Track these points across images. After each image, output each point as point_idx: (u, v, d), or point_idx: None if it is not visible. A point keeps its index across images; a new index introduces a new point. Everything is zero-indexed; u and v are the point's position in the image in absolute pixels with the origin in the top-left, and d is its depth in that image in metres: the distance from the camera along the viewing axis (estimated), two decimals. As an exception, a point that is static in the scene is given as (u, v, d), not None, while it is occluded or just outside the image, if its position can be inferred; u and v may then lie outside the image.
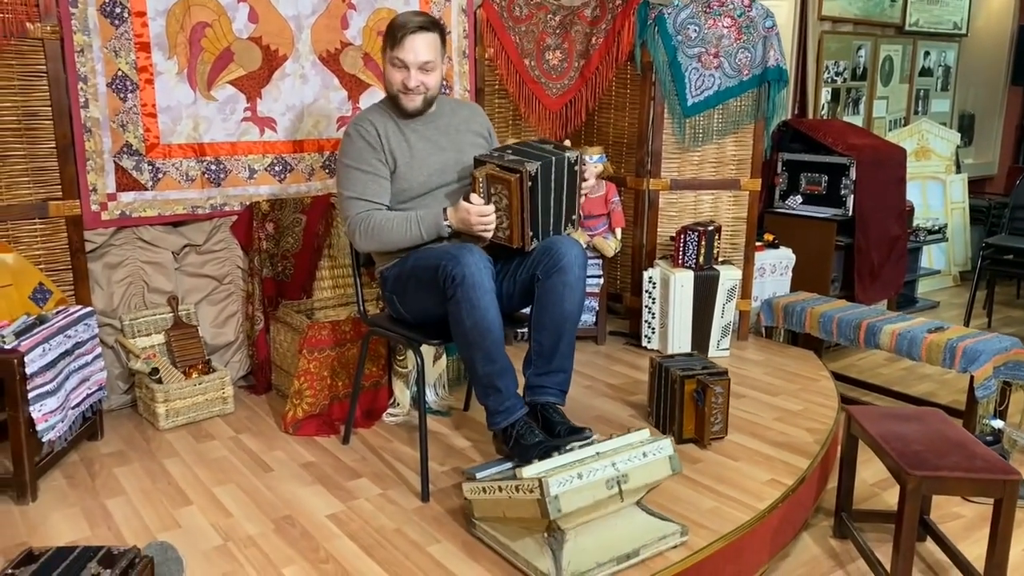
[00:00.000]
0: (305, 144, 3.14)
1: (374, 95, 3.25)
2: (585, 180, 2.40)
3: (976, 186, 6.07)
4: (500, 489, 1.85)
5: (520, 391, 2.25)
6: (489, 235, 2.24)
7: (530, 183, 2.17)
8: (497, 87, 3.66)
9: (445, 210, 2.27)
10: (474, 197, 2.22)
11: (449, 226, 2.25)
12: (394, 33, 2.29)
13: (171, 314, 2.90)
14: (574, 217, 2.40)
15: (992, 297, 4.82)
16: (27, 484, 2.20)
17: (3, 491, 2.23)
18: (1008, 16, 6.16)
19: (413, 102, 2.35)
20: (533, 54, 3.60)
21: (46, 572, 1.52)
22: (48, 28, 2.52)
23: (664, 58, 3.40)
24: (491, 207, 2.21)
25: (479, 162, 2.25)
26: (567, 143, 2.45)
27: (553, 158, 2.25)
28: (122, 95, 2.72)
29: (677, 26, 3.39)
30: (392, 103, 2.40)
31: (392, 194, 2.36)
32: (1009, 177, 6.33)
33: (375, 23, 3.22)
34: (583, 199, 2.43)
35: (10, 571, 1.53)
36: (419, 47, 2.28)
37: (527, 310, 2.39)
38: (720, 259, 3.39)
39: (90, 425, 2.58)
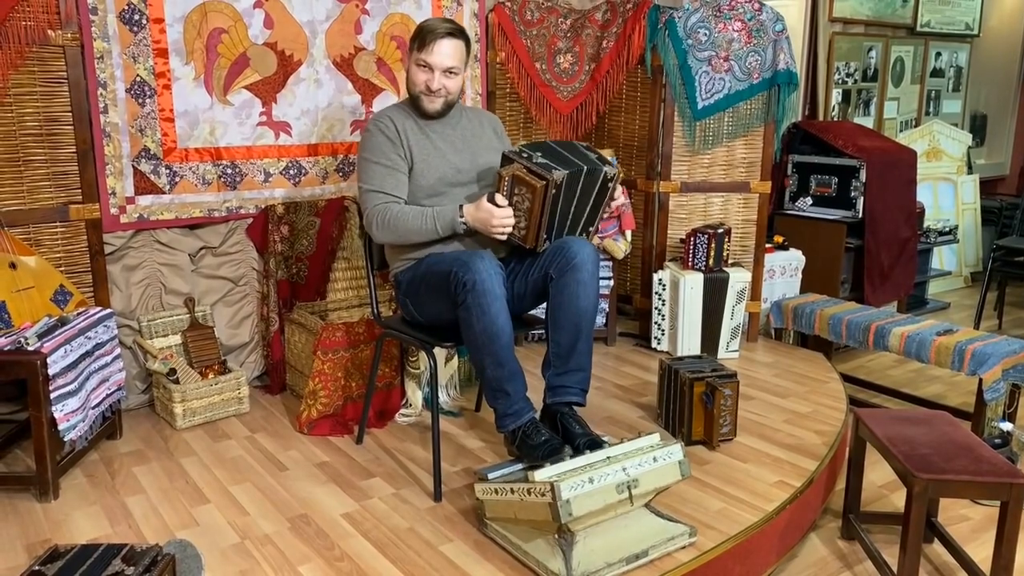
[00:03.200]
0: (319, 148, 3.18)
1: (387, 99, 3.29)
2: (614, 199, 2.43)
3: (988, 187, 6.06)
4: (512, 491, 1.88)
5: (531, 395, 2.27)
6: (504, 237, 2.27)
7: (554, 191, 2.19)
8: (508, 90, 3.69)
9: (461, 207, 2.30)
10: (499, 197, 2.24)
11: (464, 223, 2.28)
12: (423, 36, 2.35)
13: (188, 315, 2.95)
14: (591, 228, 2.42)
15: (1003, 298, 4.82)
16: (49, 482, 2.25)
17: (27, 489, 2.29)
18: (1021, 17, 6.13)
19: (433, 104, 2.39)
20: (544, 58, 3.63)
21: (72, 569, 1.57)
22: (69, 35, 2.58)
23: (674, 61, 3.43)
24: (511, 211, 2.24)
25: (507, 159, 2.25)
26: (608, 158, 2.46)
27: (585, 167, 2.26)
28: (140, 100, 2.77)
29: (687, 30, 3.42)
30: (412, 103, 2.44)
31: (409, 191, 2.40)
32: (1021, 178, 6.31)
33: (388, 28, 3.26)
34: (607, 215, 2.45)
35: (37, 568, 1.57)
36: (446, 52, 2.33)
37: (539, 312, 2.43)
38: (730, 261, 3.41)
39: (109, 424, 2.63)
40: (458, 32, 2.37)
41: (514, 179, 2.23)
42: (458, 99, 2.47)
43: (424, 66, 2.36)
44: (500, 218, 2.23)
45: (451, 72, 2.37)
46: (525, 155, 2.24)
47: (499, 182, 2.25)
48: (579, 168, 2.25)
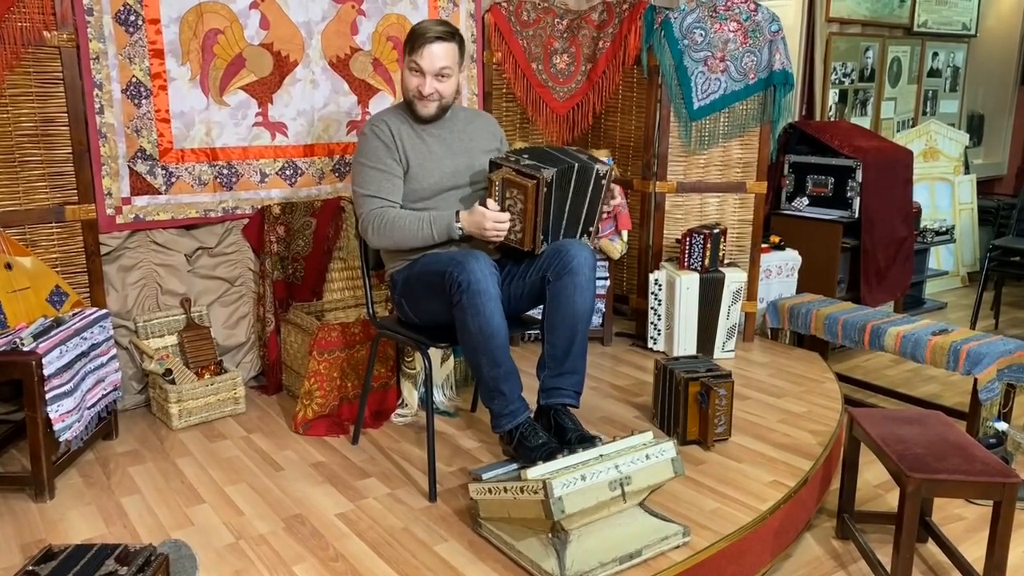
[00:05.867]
0: (315, 148, 3.18)
1: (383, 100, 3.29)
2: (614, 198, 2.44)
3: (985, 187, 6.06)
4: (505, 490, 1.89)
5: (526, 394, 2.28)
6: (499, 242, 2.28)
7: (545, 189, 2.21)
8: (505, 91, 3.69)
9: (458, 213, 2.31)
10: (490, 203, 2.26)
11: (461, 229, 2.29)
12: (414, 39, 2.34)
13: (184, 316, 2.96)
14: (591, 228, 2.42)
15: (999, 298, 4.82)
16: (45, 482, 2.25)
17: (22, 489, 2.29)
18: (1018, 17, 6.14)
19: (427, 108, 2.39)
20: (540, 58, 3.63)
21: (65, 569, 1.57)
22: (64, 36, 2.58)
23: (670, 62, 3.43)
24: (507, 215, 2.25)
25: (495, 165, 2.29)
26: (604, 158, 2.49)
27: (576, 164, 2.28)
28: (136, 101, 2.77)
29: (683, 30, 3.42)
30: (407, 107, 2.44)
31: (405, 195, 2.40)
32: (1018, 178, 6.32)
33: (384, 28, 3.26)
34: (606, 214, 2.46)
35: (31, 568, 1.58)
36: (436, 54, 2.31)
37: (536, 312, 2.43)
38: (726, 261, 3.41)
39: (105, 425, 2.63)
40: (449, 35, 2.34)
41: (504, 182, 2.25)
42: (453, 101, 2.46)
43: (416, 70, 2.34)
44: (494, 221, 2.24)
45: (443, 75, 2.34)
46: (513, 159, 2.28)
47: (490, 187, 2.28)
48: (569, 165, 2.27)
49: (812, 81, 4.77)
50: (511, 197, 2.24)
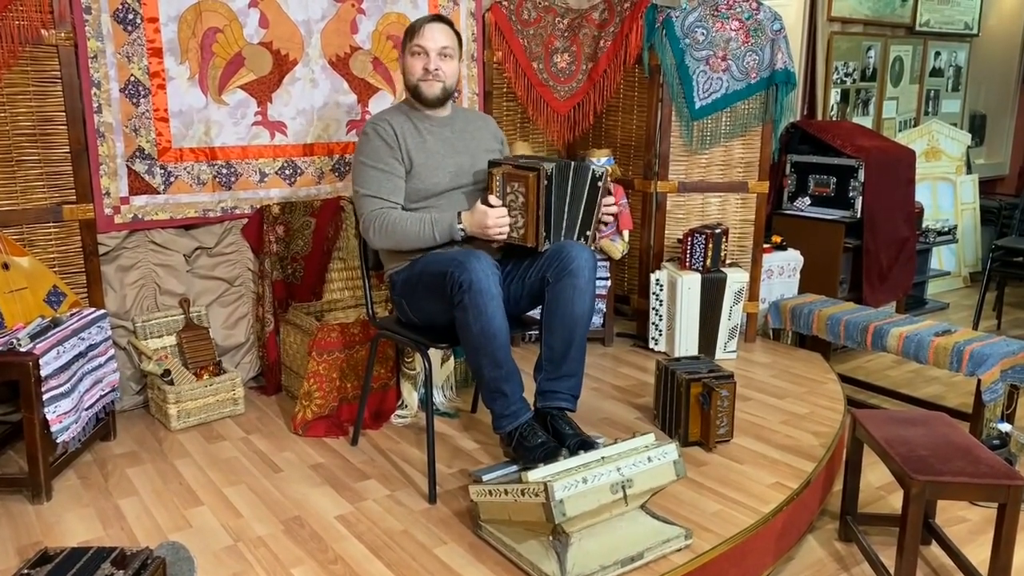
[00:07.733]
0: (315, 147, 3.17)
1: (383, 99, 3.28)
2: (607, 203, 2.41)
3: (987, 187, 6.04)
4: (506, 492, 1.87)
5: (527, 396, 2.26)
6: (503, 240, 2.27)
7: (546, 181, 2.22)
8: (505, 90, 3.68)
9: (459, 214, 2.30)
10: (492, 199, 2.26)
11: (463, 230, 2.28)
12: (412, 27, 2.43)
13: (183, 316, 2.94)
14: (588, 232, 2.41)
15: (1002, 299, 4.81)
16: (42, 484, 2.23)
17: (19, 491, 2.27)
18: (1020, 16, 6.12)
19: (432, 89, 2.40)
20: (541, 57, 3.62)
21: (61, 572, 1.55)
22: (62, 34, 2.56)
23: (672, 61, 3.41)
24: (506, 210, 2.25)
25: (495, 164, 2.31)
26: (605, 158, 2.53)
27: (572, 162, 2.31)
28: (135, 100, 2.76)
29: (685, 29, 3.40)
30: (410, 102, 2.46)
31: (407, 193, 2.39)
32: (1020, 178, 6.30)
33: (384, 27, 3.25)
34: (606, 219, 2.44)
35: (26, 571, 1.56)
36: (437, 34, 2.39)
37: (536, 313, 2.42)
38: (728, 261, 3.39)
39: (103, 426, 2.62)
40: (446, 20, 2.44)
41: (505, 177, 2.26)
42: (454, 92, 2.48)
43: (419, 52, 2.39)
44: (496, 218, 2.23)
45: (445, 53, 2.39)
46: (512, 159, 2.33)
47: (490, 182, 2.28)
48: (567, 163, 2.30)
49: (814, 81, 4.76)
50: (512, 192, 2.25)
